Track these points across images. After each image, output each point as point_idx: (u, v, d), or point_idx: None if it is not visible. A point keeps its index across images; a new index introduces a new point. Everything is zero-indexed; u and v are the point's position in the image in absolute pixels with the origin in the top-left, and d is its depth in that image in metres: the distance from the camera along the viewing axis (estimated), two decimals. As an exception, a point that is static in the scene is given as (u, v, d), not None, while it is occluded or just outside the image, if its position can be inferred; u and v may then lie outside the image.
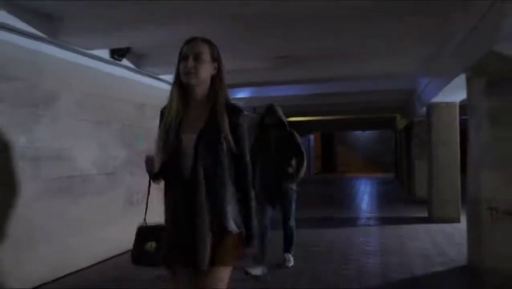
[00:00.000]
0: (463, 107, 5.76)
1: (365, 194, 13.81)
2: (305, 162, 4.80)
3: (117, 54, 5.46)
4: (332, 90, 9.37)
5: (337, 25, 4.76)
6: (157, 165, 1.98)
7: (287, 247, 5.01)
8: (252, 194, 2.07)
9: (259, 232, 4.42)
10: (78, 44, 4.83)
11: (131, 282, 4.45)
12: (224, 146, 1.99)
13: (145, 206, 2.18)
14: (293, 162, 4.79)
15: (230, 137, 2.00)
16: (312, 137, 22.47)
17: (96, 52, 5.17)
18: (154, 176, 2.05)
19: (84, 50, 4.98)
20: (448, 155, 7.77)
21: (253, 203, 2.07)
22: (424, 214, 8.51)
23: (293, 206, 4.90)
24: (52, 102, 4.62)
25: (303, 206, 6.38)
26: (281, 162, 4.74)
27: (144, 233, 2.12)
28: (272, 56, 6.17)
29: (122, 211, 5.54)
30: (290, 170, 4.76)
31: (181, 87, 2.06)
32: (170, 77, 1.98)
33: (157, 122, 2.13)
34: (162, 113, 2.11)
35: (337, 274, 4.72)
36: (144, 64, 6.15)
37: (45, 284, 4.36)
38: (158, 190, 2.10)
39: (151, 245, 2.07)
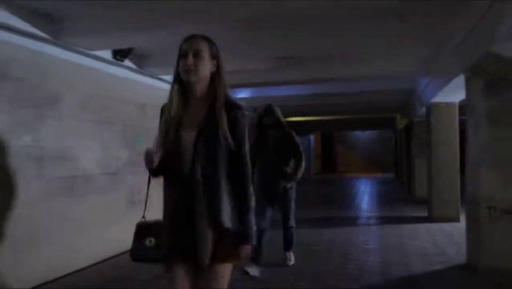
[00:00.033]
0: (463, 107, 5.78)
1: (365, 194, 13.83)
2: (304, 163, 4.80)
3: (120, 54, 5.50)
4: (332, 90, 9.38)
5: (337, 25, 4.76)
6: (156, 160, 1.97)
7: (288, 246, 5.03)
8: (251, 191, 2.04)
9: (258, 232, 4.44)
10: (80, 45, 4.86)
11: (131, 282, 4.46)
12: (223, 143, 1.98)
13: (144, 202, 2.18)
14: (292, 162, 4.80)
15: (228, 134, 1.98)
16: (312, 137, 22.47)
17: (98, 53, 5.20)
18: (153, 172, 2.05)
19: (87, 51, 5.01)
20: (447, 155, 7.80)
21: (252, 201, 2.03)
22: (424, 213, 8.55)
23: (293, 206, 4.90)
24: (56, 103, 4.66)
25: (303, 206, 6.42)
26: (280, 162, 4.74)
27: (143, 229, 2.13)
28: (273, 56, 6.18)
29: (125, 211, 5.58)
30: (289, 170, 4.77)
31: (181, 84, 2.06)
32: (171, 77, 1.99)
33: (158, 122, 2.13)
34: (162, 110, 2.11)
35: (338, 273, 4.75)
36: (145, 64, 6.17)
37: (44, 284, 4.37)
38: (158, 188, 2.10)
39: (150, 241, 2.08)
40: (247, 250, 2.01)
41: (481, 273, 4.46)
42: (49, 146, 4.54)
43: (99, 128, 5.36)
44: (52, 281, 4.47)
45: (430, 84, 7.47)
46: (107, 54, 5.42)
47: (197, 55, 2.02)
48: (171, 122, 2.03)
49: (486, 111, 4.51)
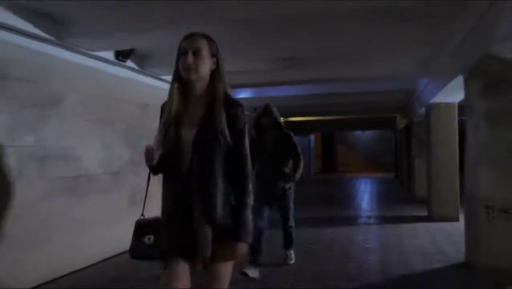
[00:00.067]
0: (462, 107, 5.81)
1: (365, 194, 13.85)
2: (302, 163, 4.79)
3: (121, 55, 5.53)
4: (332, 91, 9.41)
5: (337, 25, 4.76)
6: (156, 158, 1.97)
7: (288, 245, 5.04)
8: (250, 189, 2.02)
9: (256, 232, 4.44)
10: (83, 46, 4.90)
11: (131, 281, 4.47)
12: (221, 141, 1.97)
13: (144, 200, 2.18)
14: (290, 163, 4.79)
15: (227, 133, 1.97)
16: (312, 137, 22.48)
17: (100, 53, 5.24)
18: (153, 170, 2.04)
19: (89, 52, 5.05)
20: (447, 155, 7.83)
21: (250, 199, 2.01)
22: (424, 213, 8.58)
23: (292, 207, 4.89)
24: (58, 103, 4.69)
25: (303, 206, 6.44)
26: (278, 162, 4.73)
27: (142, 227, 2.13)
28: (273, 57, 6.19)
29: (126, 210, 5.60)
30: (287, 170, 4.75)
31: (181, 82, 2.06)
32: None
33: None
34: (162, 109, 2.11)
35: (338, 272, 4.77)
36: (147, 65, 6.20)
37: (44, 283, 4.38)
38: (159, 187, 2.09)
39: (149, 239, 2.08)
40: (243, 247, 1.99)
41: (479, 272, 4.50)
42: (52, 146, 4.57)
43: (101, 128, 5.40)
44: (53, 280, 4.48)
45: (430, 84, 7.50)
46: (109, 54, 5.45)
47: (196, 53, 2.01)
48: (171, 121, 2.02)
49: (484, 112, 4.55)
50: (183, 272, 1.98)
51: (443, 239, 6.41)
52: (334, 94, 9.71)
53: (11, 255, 4.00)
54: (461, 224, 6.34)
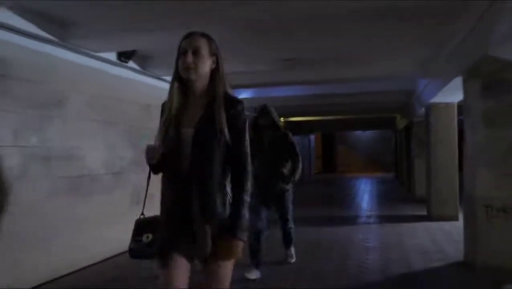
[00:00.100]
0: (462, 107, 5.84)
1: (365, 194, 13.89)
2: (300, 164, 4.71)
3: (124, 56, 5.57)
4: (333, 91, 9.42)
5: (337, 25, 4.77)
6: (157, 156, 1.96)
7: (288, 245, 5.05)
8: (249, 187, 2.00)
9: (255, 232, 4.42)
10: (86, 47, 4.93)
11: (131, 282, 4.48)
12: (221, 140, 1.96)
13: (144, 199, 2.18)
14: (289, 163, 4.71)
15: (226, 132, 1.96)
16: (312, 137, 22.50)
17: (103, 54, 5.27)
18: (154, 168, 2.04)
19: (92, 53, 5.08)
20: (446, 155, 7.86)
21: (247, 196, 1.98)
22: (423, 212, 8.62)
23: (290, 207, 4.84)
24: (62, 104, 4.73)
25: (303, 205, 6.46)
26: (276, 163, 4.67)
27: (141, 226, 2.12)
28: (273, 58, 6.22)
29: (128, 210, 5.60)
30: (285, 171, 4.69)
31: (181, 82, 2.05)
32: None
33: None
34: (163, 108, 2.10)
35: (338, 271, 4.81)
36: (148, 65, 6.23)
37: (44, 283, 4.38)
38: (159, 187, 2.09)
39: (147, 237, 2.07)
40: (240, 244, 1.96)
41: (478, 271, 4.54)
42: (56, 146, 4.60)
43: (104, 128, 5.43)
44: (53, 280, 4.49)
45: (429, 84, 7.53)
46: (111, 55, 5.49)
47: (196, 52, 2.00)
48: (171, 120, 2.02)
49: (483, 112, 4.58)
50: (182, 272, 1.98)
51: (442, 238, 6.45)
52: (334, 94, 9.72)
53: (11, 255, 4.01)
54: (460, 223, 6.36)
